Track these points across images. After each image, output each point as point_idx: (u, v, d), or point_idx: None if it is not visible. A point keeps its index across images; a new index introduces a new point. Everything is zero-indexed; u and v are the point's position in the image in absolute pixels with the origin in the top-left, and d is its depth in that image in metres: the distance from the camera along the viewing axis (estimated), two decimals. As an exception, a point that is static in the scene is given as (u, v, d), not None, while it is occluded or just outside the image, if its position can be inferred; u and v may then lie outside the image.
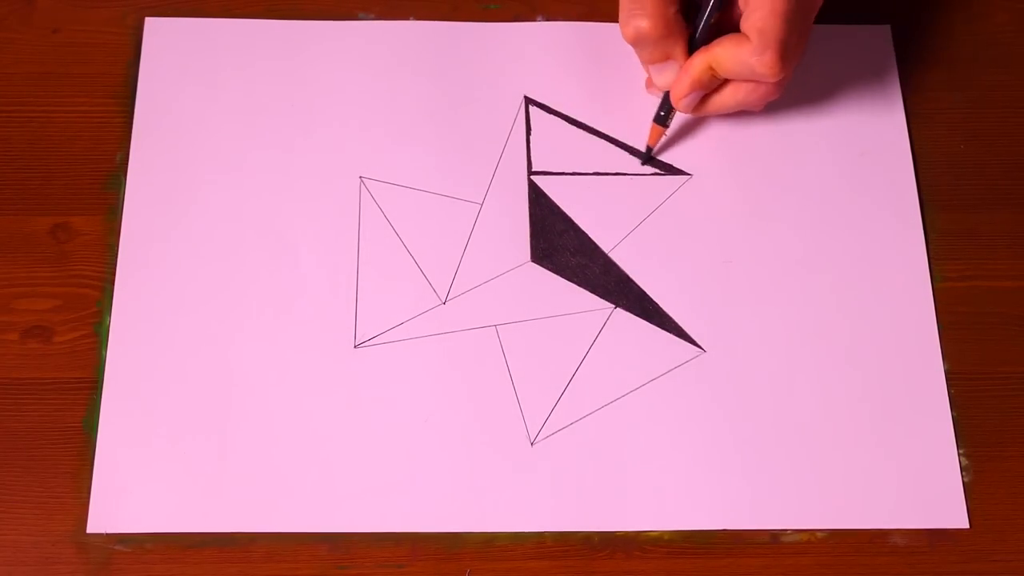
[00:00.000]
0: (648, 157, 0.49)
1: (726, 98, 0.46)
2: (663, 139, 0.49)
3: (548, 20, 0.52)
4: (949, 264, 0.48)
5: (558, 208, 0.49)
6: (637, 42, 0.45)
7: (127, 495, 0.43)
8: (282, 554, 0.43)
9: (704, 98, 0.47)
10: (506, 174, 0.49)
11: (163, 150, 0.49)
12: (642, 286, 0.47)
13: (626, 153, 0.50)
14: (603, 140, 0.50)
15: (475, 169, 0.49)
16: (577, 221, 0.48)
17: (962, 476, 0.45)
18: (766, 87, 0.45)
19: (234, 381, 0.45)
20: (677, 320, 0.47)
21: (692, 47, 0.46)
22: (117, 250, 0.47)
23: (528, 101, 0.50)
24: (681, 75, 0.46)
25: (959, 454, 0.45)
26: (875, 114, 0.51)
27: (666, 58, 0.46)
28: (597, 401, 0.45)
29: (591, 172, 0.49)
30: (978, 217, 0.49)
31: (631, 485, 0.44)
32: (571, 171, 0.49)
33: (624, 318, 0.47)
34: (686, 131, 0.50)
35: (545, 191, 0.49)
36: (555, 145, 0.50)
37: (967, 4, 0.53)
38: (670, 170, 0.49)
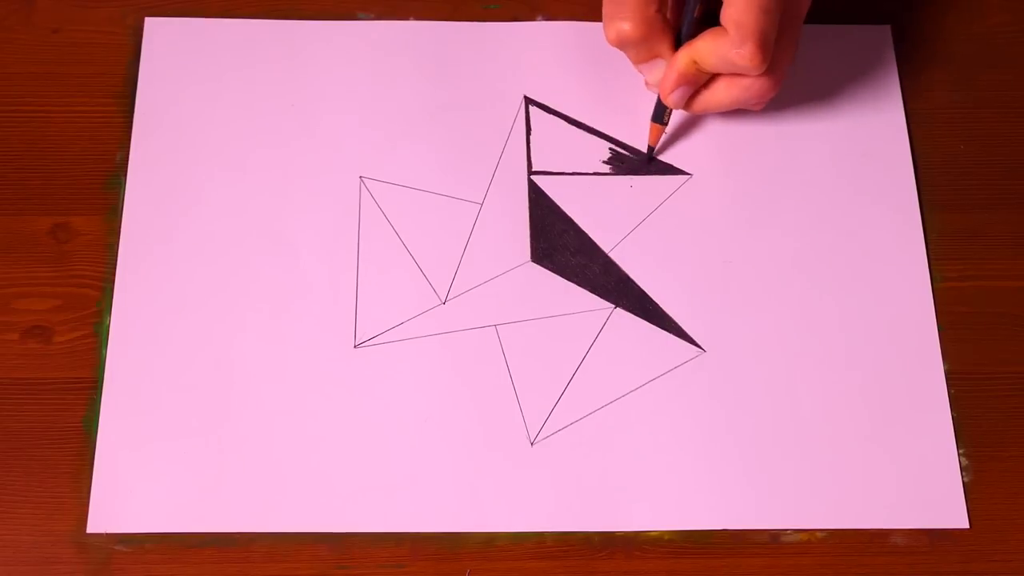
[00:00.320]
0: (651, 156, 0.49)
1: (719, 95, 0.46)
2: (663, 137, 0.49)
3: (548, 20, 0.52)
4: (949, 264, 0.48)
5: (558, 208, 0.49)
6: (621, 44, 0.45)
7: (127, 495, 0.43)
8: (282, 554, 0.43)
9: (696, 94, 0.46)
10: (506, 174, 0.49)
11: (163, 150, 0.49)
12: (642, 286, 0.47)
13: (626, 153, 0.50)
14: (603, 140, 0.50)
15: (475, 169, 0.49)
16: (577, 221, 0.48)
17: (962, 476, 0.45)
18: (760, 84, 0.45)
19: (234, 381, 0.45)
20: (677, 320, 0.47)
21: (680, 43, 0.46)
22: (117, 250, 0.47)
23: (528, 101, 0.50)
24: (667, 71, 0.46)
25: (959, 454, 0.45)
26: (875, 114, 0.51)
27: (653, 57, 0.46)
28: (597, 401, 0.45)
29: (591, 172, 0.49)
30: (978, 217, 0.49)
31: (631, 485, 0.44)
32: (571, 171, 0.49)
33: (624, 318, 0.47)
34: (686, 131, 0.50)
35: (545, 191, 0.49)
36: (555, 145, 0.50)
37: (967, 4, 0.53)
38: (670, 170, 0.50)
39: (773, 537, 0.44)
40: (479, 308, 0.47)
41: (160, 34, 0.51)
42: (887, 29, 0.52)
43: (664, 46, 0.45)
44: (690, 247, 0.48)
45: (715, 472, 0.44)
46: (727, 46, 0.43)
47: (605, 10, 0.45)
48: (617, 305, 0.47)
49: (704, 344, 0.46)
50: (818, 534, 0.44)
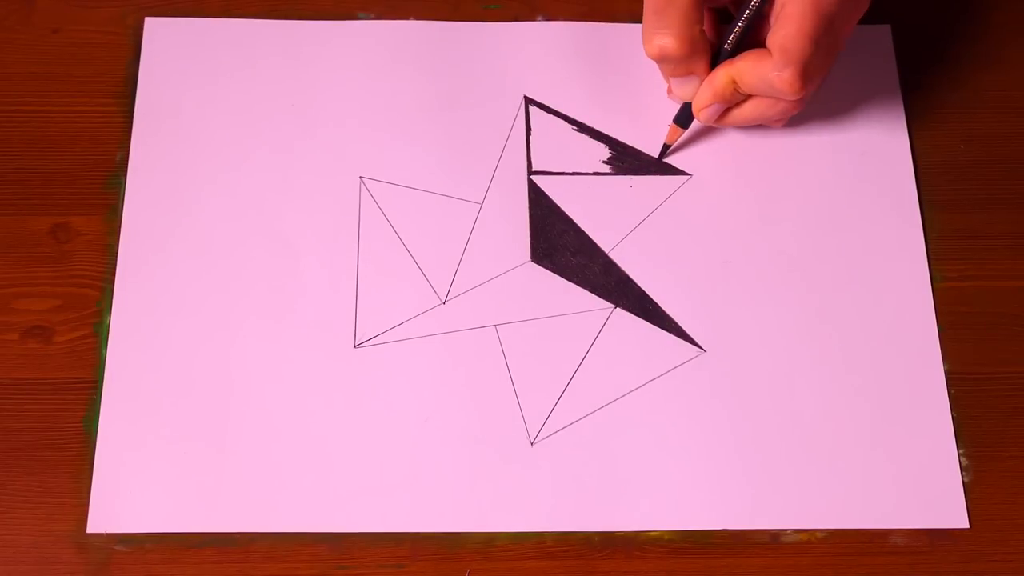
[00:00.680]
0: (663, 156, 0.49)
1: (747, 112, 0.46)
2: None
3: (548, 20, 0.52)
4: (949, 264, 0.48)
5: (558, 208, 0.49)
6: (661, 59, 0.45)
7: (127, 495, 0.43)
8: (282, 554, 0.43)
9: (726, 111, 0.47)
10: (506, 174, 0.49)
11: (163, 150, 0.49)
12: (642, 286, 0.47)
13: (626, 153, 0.50)
14: (603, 140, 0.50)
15: (475, 169, 0.49)
16: (577, 221, 0.48)
17: (962, 476, 0.45)
18: (787, 103, 0.45)
19: (234, 381, 0.45)
20: (677, 320, 0.47)
21: (718, 60, 0.46)
22: (117, 250, 0.47)
23: (528, 101, 0.50)
24: (704, 88, 0.46)
25: (959, 454, 0.45)
26: (875, 114, 0.51)
27: (689, 73, 0.46)
28: (597, 401, 0.45)
29: (591, 172, 0.49)
30: (978, 217, 0.49)
31: (631, 485, 0.44)
32: (571, 171, 0.49)
33: (624, 318, 0.47)
34: (686, 131, 0.50)
35: (545, 191, 0.49)
36: (555, 145, 0.50)
37: (967, 4, 0.53)
38: (670, 170, 0.50)
39: (773, 537, 0.44)
40: (479, 308, 0.47)
41: (160, 34, 0.51)
42: (887, 29, 0.52)
43: (701, 64, 0.45)
44: (690, 247, 0.48)
45: (715, 472, 0.44)
46: (768, 68, 0.43)
47: (646, 22, 0.44)
48: (617, 305, 0.47)
49: (704, 344, 0.46)
50: (818, 534, 0.44)
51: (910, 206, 0.49)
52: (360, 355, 0.46)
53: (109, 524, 0.43)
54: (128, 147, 0.49)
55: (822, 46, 0.43)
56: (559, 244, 0.48)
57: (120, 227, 0.47)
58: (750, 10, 0.44)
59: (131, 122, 0.49)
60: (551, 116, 0.50)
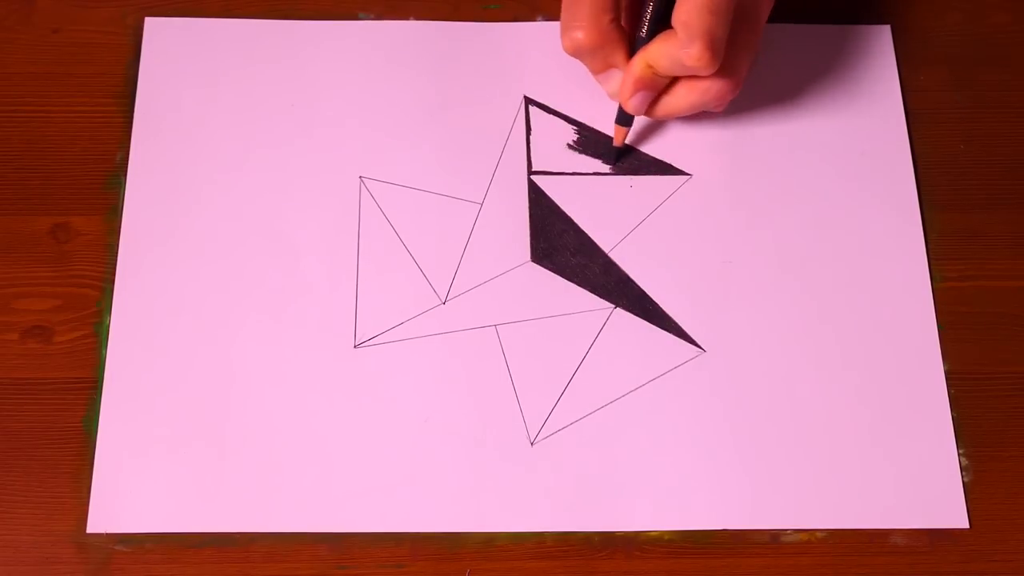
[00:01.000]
0: (618, 157, 0.49)
1: (679, 99, 0.46)
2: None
3: (548, 20, 0.52)
4: (949, 264, 0.48)
5: (558, 208, 0.49)
6: (576, 53, 0.45)
7: (127, 495, 0.43)
8: (282, 554, 0.43)
9: (657, 99, 0.46)
10: (506, 174, 0.49)
11: (163, 150, 0.49)
12: (642, 286, 0.47)
13: (626, 153, 0.50)
14: (603, 140, 0.50)
15: (475, 169, 0.49)
16: (577, 221, 0.48)
17: (962, 476, 0.45)
18: (718, 86, 0.45)
19: (234, 381, 0.45)
20: (677, 320, 0.47)
21: (635, 51, 0.45)
22: (117, 250, 0.47)
23: (528, 101, 0.50)
24: (625, 77, 0.45)
25: (959, 454, 0.45)
26: (875, 114, 0.51)
27: (609, 67, 0.46)
28: (597, 401, 0.45)
29: (591, 172, 0.49)
30: (978, 217, 0.49)
31: (631, 485, 0.44)
32: (571, 171, 0.49)
33: (624, 318, 0.47)
34: (686, 131, 0.50)
35: (545, 191, 0.49)
36: (555, 145, 0.50)
37: (967, 4, 0.53)
38: (670, 170, 0.50)
39: (773, 537, 0.44)
40: (479, 308, 0.47)
41: (160, 34, 0.51)
42: (887, 29, 0.52)
43: (619, 55, 0.45)
44: (690, 247, 0.48)
45: (715, 472, 0.44)
46: (676, 47, 0.43)
47: (561, 19, 0.45)
48: (617, 305, 0.47)
49: (704, 344, 0.46)
50: (818, 534, 0.44)
51: (910, 206, 0.49)
52: (360, 355, 0.46)
53: (109, 524, 0.43)
54: (128, 147, 0.49)
55: (725, 16, 0.42)
56: (559, 244, 0.48)
57: (120, 227, 0.47)
58: None
59: (131, 122, 0.49)
60: (551, 116, 0.50)
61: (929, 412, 0.45)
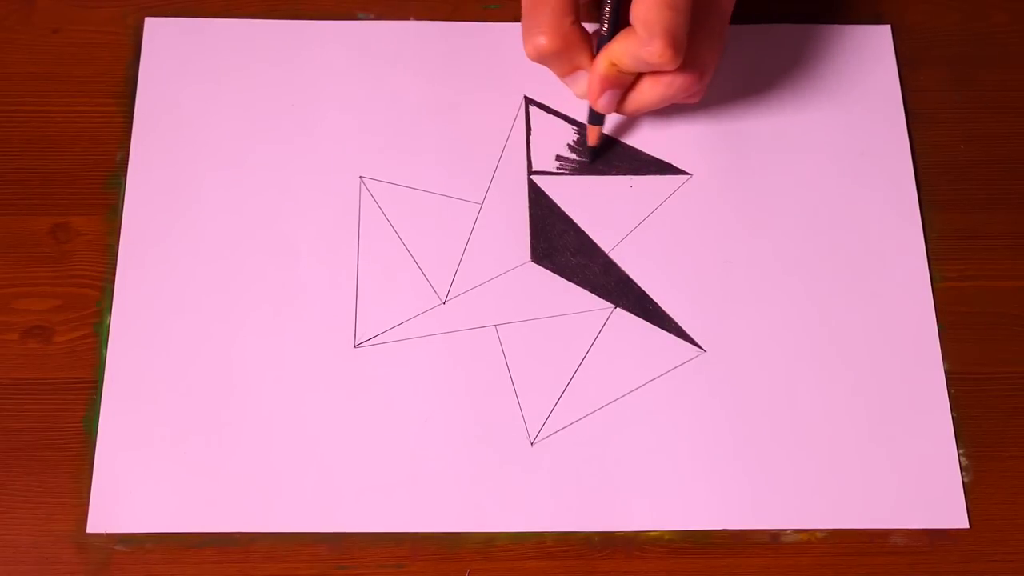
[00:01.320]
0: (594, 156, 0.49)
1: (646, 94, 0.45)
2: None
3: (548, 20, 0.52)
4: (949, 264, 0.48)
5: (558, 208, 0.49)
6: (540, 59, 0.45)
7: (127, 495, 0.43)
8: (282, 554, 0.43)
9: (625, 96, 0.46)
10: (506, 174, 0.49)
11: (163, 150, 0.49)
12: (642, 286, 0.47)
13: (626, 153, 0.50)
14: (603, 140, 0.50)
15: (475, 169, 0.49)
16: (577, 221, 0.48)
17: (962, 476, 0.45)
18: (683, 79, 0.44)
19: (234, 381, 0.45)
20: (677, 320, 0.47)
21: (600, 48, 0.45)
22: (117, 250, 0.47)
23: (528, 101, 0.50)
24: (591, 77, 0.45)
25: (959, 454, 0.45)
26: (875, 114, 0.51)
27: (575, 69, 0.46)
28: (597, 401, 0.45)
29: (591, 172, 0.49)
30: (978, 217, 0.49)
31: (631, 485, 0.44)
32: (571, 171, 0.49)
33: (624, 318, 0.47)
34: (686, 131, 0.50)
35: (545, 191, 0.49)
36: (555, 145, 0.50)
37: (967, 4, 0.53)
38: (670, 170, 0.50)
39: (773, 537, 0.44)
40: (479, 308, 0.47)
41: (160, 34, 0.51)
42: (887, 29, 0.52)
43: (584, 56, 0.45)
44: (690, 247, 0.48)
45: (715, 472, 0.44)
46: (637, 45, 0.43)
47: (523, 25, 0.45)
48: (617, 305, 0.47)
49: (704, 344, 0.46)
50: (818, 534, 0.44)
51: (910, 206, 0.49)
52: (360, 355, 0.46)
53: (109, 524, 0.43)
54: (128, 147, 0.49)
55: (684, 11, 0.42)
56: (559, 244, 0.48)
57: (120, 227, 0.47)
58: None
59: (131, 122, 0.49)
60: (551, 116, 0.50)
61: (929, 412, 0.45)
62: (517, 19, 0.52)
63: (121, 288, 0.46)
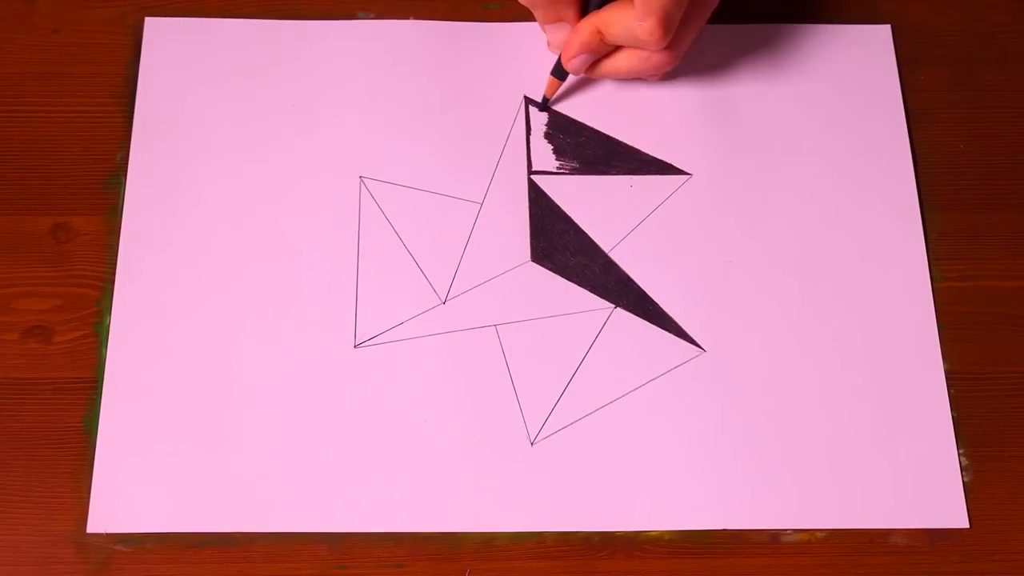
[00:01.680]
0: (544, 106, 0.50)
1: (619, 64, 0.47)
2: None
3: (548, 20, 0.52)
4: (949, 264, 0.48)
5: (558, 208, 0.49)
6: (529, 2, 0.46)
7: (127, 495, 0.43)
8: (282, 554, 0.43)
9: (597, 61, 0.47)
10: (506, 174, 0.49)
11: (163, 150, 0.49)
12: (642, 286, 0.47)
13: (626, 153, 0.50)
14: (603, 140, 0.50)
15: (475, 169, 0.49)
16: (577, 221, 0.48)
17: (962, 476, 0.45)
18: (659, 57, 0.46)
19: (234, 381, 0.45)
20: (677, 320, 0.47)
21: (587, 10, 0.46)
22: (117, 250, 0.47)
23: (528, 101, 0.50)
24: (571, 37, 0.46)
25: (959, 454, 0.45)
26: (875, 114, 0.51)
27: (558, 19, 0.47)
28: (597, 401, 0.45)
29: (591, 172, 0.49)
30: (978, 217, 0.49)
31: (631, 485, 0.44)
32: (571, 171, 0.49)
33: (624, 318, 0.47)
34: (686, 131, 0.50)
35: (545, 191, 0.49)
36: (555, 145, 0.50)
37: (967, 4, 0.53)
38: (670, 170, 0.50)
39: (773, 537, 0.44)
40: (479, 308, 0.47)
41: (160, 34, 0.51)
42: (887, 29, 0.52)
43: (570, 11, 0.46)
44: (690, 247, 0.48)
45: (715, 472, 0.44)
46: (631, 19, 0.43)
47: None
48: (617, 305, 0.47)
49: (704, 344, 0.46)
50: (818, 534, 0.44)
51: (910, 206, 0.49)
52: (360, 355, 0.46)
53: (109, 524, 0.43)
54: (128, 147, 0.49)
55: None
56: (559, 244, 0.48)
57: (120, 227, 0.47)
58: None
59: (131, 122, 0.49)
60: (551, 116, 0.50)
61: (929, 412, 0.45)
62: (517, 19, 0.52)
63: (121, 288, 0.46)
